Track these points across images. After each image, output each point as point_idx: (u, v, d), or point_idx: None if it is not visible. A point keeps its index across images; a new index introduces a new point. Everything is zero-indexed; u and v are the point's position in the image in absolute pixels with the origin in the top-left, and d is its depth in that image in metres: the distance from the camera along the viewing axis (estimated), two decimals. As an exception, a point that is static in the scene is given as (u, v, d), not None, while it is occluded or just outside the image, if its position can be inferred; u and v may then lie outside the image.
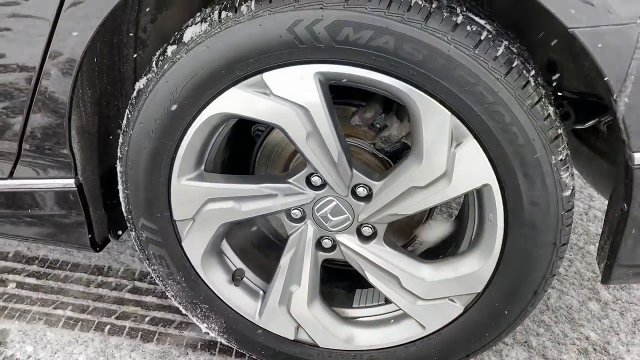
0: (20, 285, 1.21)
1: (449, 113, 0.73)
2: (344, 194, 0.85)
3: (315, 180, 0.85)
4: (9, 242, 1.34)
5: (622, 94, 0.68)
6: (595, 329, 1.15)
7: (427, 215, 1.00)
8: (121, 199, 0.92)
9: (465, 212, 0.94)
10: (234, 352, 1.07)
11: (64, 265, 1.28)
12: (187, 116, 0.80)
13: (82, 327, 1.11)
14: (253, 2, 0.72)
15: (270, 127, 0.97)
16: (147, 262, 0.96)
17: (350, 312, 0.99)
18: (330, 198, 0.86)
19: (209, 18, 0.76)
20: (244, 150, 1.02)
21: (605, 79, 0.67)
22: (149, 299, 1.19)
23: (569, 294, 1.24)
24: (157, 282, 1.00)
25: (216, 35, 0.74)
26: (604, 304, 1.21)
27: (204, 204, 0.88)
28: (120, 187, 0.90)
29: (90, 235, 0.99)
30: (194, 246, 0.92)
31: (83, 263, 1.29)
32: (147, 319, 1.14)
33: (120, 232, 1.06)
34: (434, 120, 0.74)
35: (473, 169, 0.76)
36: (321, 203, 0.87)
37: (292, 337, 0.98)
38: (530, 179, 0.75)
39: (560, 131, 0.75)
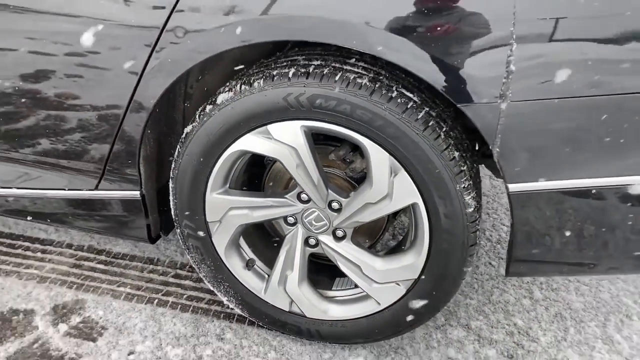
0: (92, 269, 1.63)
1: (387, 154, 1.10)
2: (323, 207, 1.23)
3: (304, 196, 1.24)
4: (85, 237, 1.76)
5: (495, 146, 1.04)
6: (523, 318, 1.49)
7: (386, 223, 1.38)
8: (171, 206, 1.32)
9: (409, 222, 1.31)
10: (246, 320, 1.46)
11: (124, 257, 1.69)
12: (218, 152, 1.20)
13: (137, 300, 1.51)
14: (262, 80, 1.12)
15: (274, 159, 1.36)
16: (187, 251, 1.36)
17: (329, 293, 1.37)
18: (314, 209, 1.24)
19: (233, 88, 1.16)
20: (258, 173, 1.42)
21: (484, 136, 1.04)
22: (186, 282, 1.59)
23: (509, 292, 1.58)
24: (193, 266, 1.40)
25: (238, 100, 1.14)
26: (535, 300, 1.55)
27: (227, 211, 1.27)
28: (171, 197, 1.31)
29: (147, 232, 1.40)
30: (220, 240, 1.32)
31: (138, 255, 1.70)
32: (184, 296, 1.53)
33: (166, 232, 1.47)
34: (378, 159, 1.11)
35: (405, 191, 1.13)
36: (307, 212, 1.25)
37: (287, 309, 1.35)
38: (443, 200, 1.12)
39: (463, 168, 1.11)
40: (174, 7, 1.09)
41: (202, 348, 1.36)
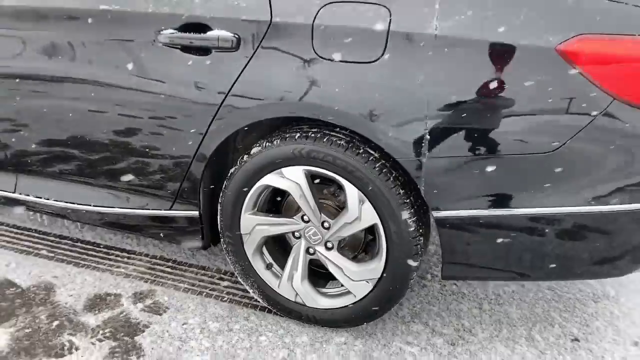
0: (162, 271, 2.26)
1: (357, 190, 1.68)
2: (318, 225, 1.82)
3: (305, 217, 1.83)
4: (157, 249, 2.41)
5: (420, 186, 1.61)
6: (469, 321, 2.00)
7: (363, 240, 1.94)
8: (218, 223, 1.94)
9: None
10: (266, 310, 2.03)
11: (184, 264, 2.32)
12: (250, 185, 1.82)
13: (191, 292, 2.13)
14: (279, 140, 1.75)
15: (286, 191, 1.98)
16: (227, 255, 1.97)
17: (323, 290, 1.93)
18: (312, 227, 1.83)
19: (262, 145, 1.79)
20: (279, 201, 2.03)
21: (414, 179, 1.62)
22: (226, 283, 2.19)
23: (464, 304, 2.09)
24: (230, 266, 2.00)
25: (264, 152, 1.77)
26: (482, 310, 2.06)
27: (254, 226, 1.88)
28: (218, 216, 1.93)
29: (203, 242, 2.03)
30: (249, 247, 1.92)
31: (194, 264, 2.33)
32: (224, 292, 2.14)
33: (214, 243, 2.08)
34: (351, 193, 1.69)
35: (369, 215, 1.70)
36: (308, 229, 1.84)
37: (293, 300, 1.92)
38: (393, 222, 1.68)
39: (407, 200, 1.68)
40: (229, 91, 1.74)
41: (233, 324, 1.95)
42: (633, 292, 2.20)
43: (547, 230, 1.56)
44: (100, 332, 1.91)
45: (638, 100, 1.37)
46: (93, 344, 1.85)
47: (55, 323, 1.94)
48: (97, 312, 2.00)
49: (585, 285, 2.24)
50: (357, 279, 1.81)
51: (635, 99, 1.37)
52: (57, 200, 2.19)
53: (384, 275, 1.76)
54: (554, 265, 1.63)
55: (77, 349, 1.83)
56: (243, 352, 1.83)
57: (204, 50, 1.71)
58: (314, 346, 1.87)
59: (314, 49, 1.59)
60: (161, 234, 2.09)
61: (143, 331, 1.91)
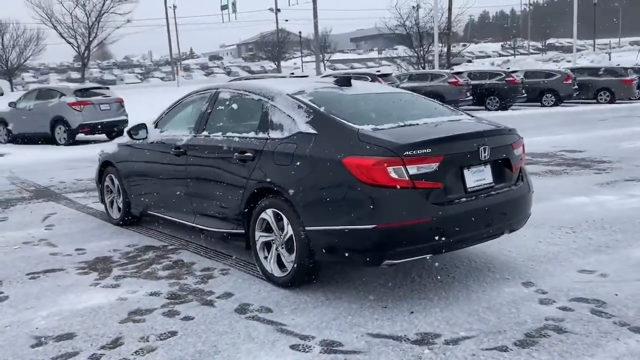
0: (226, 257, 4.74)
1: (287, 219, 3.98)
2: (278, 237, 4.10)
3: (275, 233, 4.15)
4: (226, 249, 4.89)
5: (298, 207, 3.86)
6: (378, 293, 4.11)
7: (294, 243, 4.19)
8: (250, 236, 4.36)
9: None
10: (262, 278, 4.37)
11: (231, 257, 4.76)
12: (256, 218, 4.22)
13: (235, 267, 4.55)
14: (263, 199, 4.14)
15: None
16: (251, 250, 4.35)
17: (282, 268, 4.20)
18: (277, 237, 4.13)
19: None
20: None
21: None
22: (251, 265, 4.58)
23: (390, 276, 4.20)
24: (252, 255, 4.40)
25: (260, 205, 4.17)
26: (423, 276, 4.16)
27: (259, 238, 4.24)
28: (250, 233, 4.34)
29: (246, 244, 4.43)
30: (258, 247, 4.27)
31: (237, 257, 4.76)
32: (248, 267, 4.52)
33: (248, 247, 4.48)
34: (286, 221, 3.99)
35: (290, 230, 3.96)
36: (276, 238, 4.14)
37: (270, 272, 4.21)
38: (297, 233, 3.92)
39: (299, 220, 3.93)
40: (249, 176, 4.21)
41: (251, 277, 4.32)
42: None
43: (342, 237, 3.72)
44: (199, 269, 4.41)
45: (368, 181, 3.52)
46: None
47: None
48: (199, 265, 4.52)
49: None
50: (289, 261, 4.07)
51: (367, 180, 3.52)
52: (202, 225, 4.80)
53: (296, 258, 3.99)
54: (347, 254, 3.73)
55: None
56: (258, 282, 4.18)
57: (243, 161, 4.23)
58: (279, 290, 4.12)
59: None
60: (228, 238, 4.59)
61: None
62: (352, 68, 59.87)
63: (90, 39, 35.75)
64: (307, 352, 3.18)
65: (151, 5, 66.45)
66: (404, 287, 4.06)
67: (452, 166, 3.74)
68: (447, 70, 23.72)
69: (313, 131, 3.94)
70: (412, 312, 3.64)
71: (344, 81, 4.67)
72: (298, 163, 3.88)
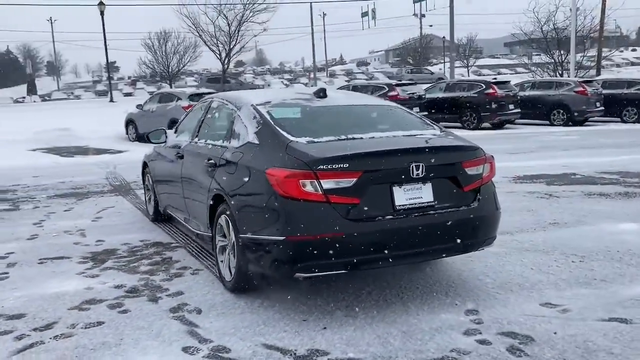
0: (202, 251, 4.98)
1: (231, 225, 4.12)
2: (230, 241, 4.26)
3: (227, 237, 4.31)
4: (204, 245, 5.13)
5: (235, 215, 3.96)
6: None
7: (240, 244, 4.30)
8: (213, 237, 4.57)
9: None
10: (218, 271, 4.55)
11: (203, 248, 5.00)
12: (216, 224, 4.43)
13: (196, 257, 4.78)
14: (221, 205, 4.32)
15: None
16: (214, 249, 4.56)
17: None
18: (228, 241, 4.29)
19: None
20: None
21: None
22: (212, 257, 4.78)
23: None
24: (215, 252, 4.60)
25: (217, 211, 4.36)
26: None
27: (219, 242, 4.43)
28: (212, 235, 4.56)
29: (212, 244, 4.66)
30: (217, 250, 4.47)
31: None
32: (212, 262, 4.73)
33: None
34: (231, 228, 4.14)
35: (234, 236, 4.10)
36: (228, 242, 4.30)
37: (227, 265, 4.38)
38: (237, 238, 4.04)
39: (236, 228, 4.03)
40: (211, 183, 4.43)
41: (215, 279, 4.53)
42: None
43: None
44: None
45: (282, 193, 3.54)
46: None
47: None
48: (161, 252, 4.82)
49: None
50: (232, 266, 4.19)
51: (282, 192, 3.55)
52: (191, 226, 5.13)
53: (236, 264, 4.09)
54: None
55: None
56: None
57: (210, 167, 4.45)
58: (225, 294, 4.28)
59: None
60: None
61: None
62: (499, 74, 57.33)
63: (231, 46, 38.26)
64: (193, 355, 3.30)
65: (307, 12, 69.10)
66: (345, 302, 4.00)
67: (377, 182, 3.63)
68: (574, 79, 21.91)
69: (256, 141, 4.04)
70: (325, 328, 3.61)
71: (319, 92, 4.69)
72: (239, 172, 4.01)
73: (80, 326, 3.73)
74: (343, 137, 3.96)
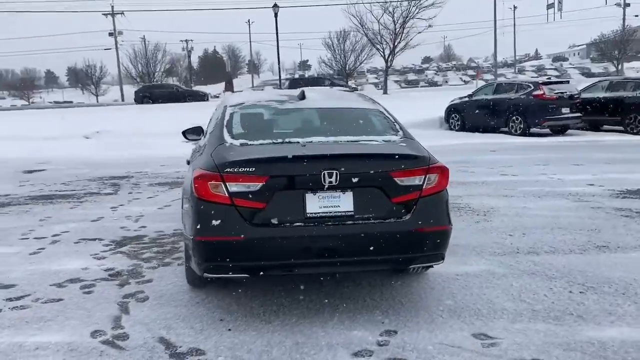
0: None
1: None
2: (192, 238, 4.45)
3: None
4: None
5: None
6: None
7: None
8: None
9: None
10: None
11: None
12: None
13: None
14: None
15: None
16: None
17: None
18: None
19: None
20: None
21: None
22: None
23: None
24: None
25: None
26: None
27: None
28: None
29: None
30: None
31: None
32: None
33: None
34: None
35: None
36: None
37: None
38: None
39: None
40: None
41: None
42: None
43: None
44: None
45: (196, 194, 3.62)
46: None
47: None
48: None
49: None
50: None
51: (196, 193, 3.62)
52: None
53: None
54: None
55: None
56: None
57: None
58: (184, 286, 4.48)
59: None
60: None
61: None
62: None
63: (395, 43, 38.17)
64: (94, 338, 3.55)
65: (498, 5, 66.45)
66: (276, 306, 3.98)
67: (288, 188, 3.55)
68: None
69: (206, 142, 4.18)
70: (229, 330, 3.64)
71: (301, 94, 4.66)
72: (188, 172, 4.19)
73: (42, 300, 4.21)
74: (279, 140, 3.92)
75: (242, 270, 3.60)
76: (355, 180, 3.56)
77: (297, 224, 3.54)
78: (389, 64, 40.36)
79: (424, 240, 3.65)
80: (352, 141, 3.91)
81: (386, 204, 3.61)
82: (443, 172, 3.74)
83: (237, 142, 3.90)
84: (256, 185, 3.52)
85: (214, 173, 3.56)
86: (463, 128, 18.72)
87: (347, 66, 64.59)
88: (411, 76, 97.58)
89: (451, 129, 19.10)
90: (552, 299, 4.03)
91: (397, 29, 37.60)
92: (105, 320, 3.82)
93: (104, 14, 59.01)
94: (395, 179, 3.60)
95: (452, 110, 19.44)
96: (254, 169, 3.52)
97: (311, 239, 3.52)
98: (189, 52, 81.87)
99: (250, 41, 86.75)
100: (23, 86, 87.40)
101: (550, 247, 5.31)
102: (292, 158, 3.58)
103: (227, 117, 4.30)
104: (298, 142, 3.87)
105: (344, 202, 3.58)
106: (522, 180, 9.02)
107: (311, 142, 3.88)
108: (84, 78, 75.67)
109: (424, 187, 3.66)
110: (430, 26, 37.14)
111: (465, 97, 19.33)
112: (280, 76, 46.85)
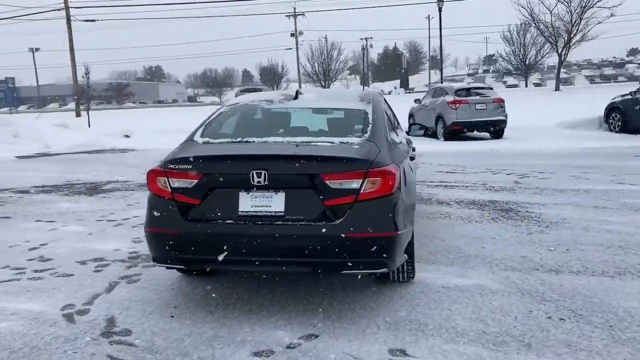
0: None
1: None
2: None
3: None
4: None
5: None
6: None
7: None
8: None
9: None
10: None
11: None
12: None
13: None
14: None
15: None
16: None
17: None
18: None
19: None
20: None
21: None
22: (209, 252, 5.28)
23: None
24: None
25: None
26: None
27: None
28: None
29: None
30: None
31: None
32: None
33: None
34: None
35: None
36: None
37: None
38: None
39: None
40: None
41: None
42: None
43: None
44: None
45: (149, 188, 3.89)
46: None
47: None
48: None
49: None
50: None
51: (149, 187, 3.89)
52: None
53: None
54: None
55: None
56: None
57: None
58: (174, 275, 4.81)
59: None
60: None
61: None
62: None
63: (571, 35, 34.96)
64: (63, 311, 3.99)
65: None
66: (243, 300, 4.12)
67: (223, 186, 3.67)
68: None
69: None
70: (172, 317, 3.86)
71: (296, 94, 4.72)
72: None
73: (57, 274, 4.83)
74: (239, 139, 4.04)
75: (179, 261, 3.80)
76: (286, 181, 3.55)
77: (229, 221, 3.63)
78: (562, 58, 37.23)
79: (358, 246, 3.51)
80: (306, 142, 3.88)
81: (318, 207, 3.54)
82: (386, 176, 3.56)
83: (201, 140, 4.09)
84: (192, 182, 3.68)
85: (161, 169, 3.80)
86: (625, 129, 16.81)
87: (527, 60, 60.67)
88: (608, 70, 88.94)
89: (611, 130, 17.37)
90: (518, 323, 3.61)
91: (574, 19, 34.45)
92: (85, 296, 4.26)
93: (286, 16, 62.88)
94: (327, 181, 3.51)
95: (612, 109, 17.58)
96: (190, 166, 3.68)
97: (240, 236, 3.58)
98: (363, 50, 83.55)
99: (429, 36, 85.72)
100: (219, 84, 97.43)
101: (582, 266, 4.69)
102: (223, 157, 3.68)
103: (212, 117, 4.51)
104: (254, 142, 3.94)
105: (276, 203, 3.59)
106: (633, 191, 7.94)
107: (265, 142, 3.93)
108: (271, 76, 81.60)
109: (361, 191, 3.52)
110: (612, 15, 33.39)
111: (627, 94, 17.33)
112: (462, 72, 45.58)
